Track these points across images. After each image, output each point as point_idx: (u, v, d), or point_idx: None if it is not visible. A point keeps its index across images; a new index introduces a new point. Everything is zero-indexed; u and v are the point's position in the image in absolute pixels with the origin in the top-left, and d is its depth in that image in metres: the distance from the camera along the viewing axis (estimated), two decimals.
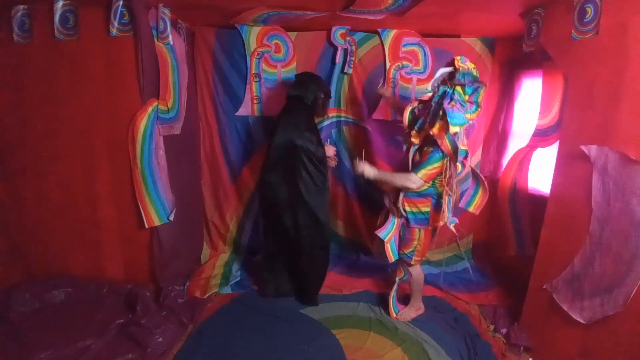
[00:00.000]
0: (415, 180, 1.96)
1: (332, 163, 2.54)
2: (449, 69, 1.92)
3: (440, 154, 1.94)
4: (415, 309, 2.35)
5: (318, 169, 2.28)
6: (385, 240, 2.10)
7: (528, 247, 2.50)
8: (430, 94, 1.98)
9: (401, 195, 2.08)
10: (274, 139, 2.27)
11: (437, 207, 2.06)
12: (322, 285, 2.48)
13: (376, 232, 2.13)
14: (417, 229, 2.11)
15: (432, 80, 1.97)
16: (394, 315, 2.32)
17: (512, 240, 2.63)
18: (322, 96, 2.44)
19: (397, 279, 2.30)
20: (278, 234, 2.39)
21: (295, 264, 2.43)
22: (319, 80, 2.47)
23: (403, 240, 2.17)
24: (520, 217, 2.58)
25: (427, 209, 2.08)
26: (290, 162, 2.24)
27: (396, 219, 2.15)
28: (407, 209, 2.09)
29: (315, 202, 2.28)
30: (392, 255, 2.15)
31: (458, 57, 1.91)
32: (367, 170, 2.08)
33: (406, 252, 2.17)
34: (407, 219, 2.12)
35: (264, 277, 2.51)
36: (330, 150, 2.46)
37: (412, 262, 2.18)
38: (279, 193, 2.30)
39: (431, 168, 1.94)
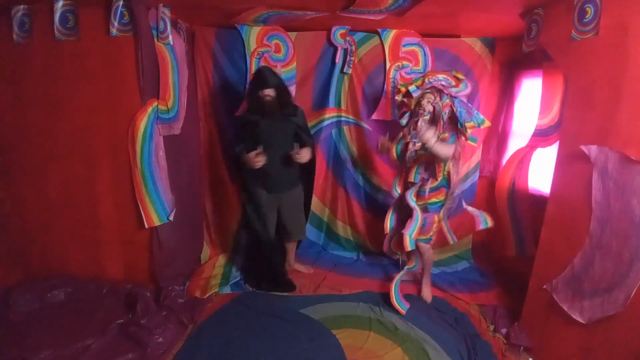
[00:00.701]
0: (453, 147, 2.25)
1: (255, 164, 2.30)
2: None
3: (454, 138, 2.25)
4: (430, 286, 2.57)
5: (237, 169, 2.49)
6: (413, 235, 2.31)
7: (528, 247, 2.49)
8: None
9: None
10: None
11: (449, 192, 2.39)
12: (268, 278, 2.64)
13: (403, 231, 2.31)
14: (435, 215, 2.37)
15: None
16: (404, 311, 2.33)
17: (511, 240, 2.63)
18: (250, 87, 2.38)
19: (407, 268, 2.52)
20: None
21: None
22: (256, 72, 2.36)
23: (425, 227, 2.36)
24: (520, 217, 2.58)
25: (443, 197, 2.37)
26: None
27: (420, 215, 2.32)
28: (434, 199, 2.36)
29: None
30: (409, 246, 2.32)
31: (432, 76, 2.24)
32: (432, 139, 2.16)
33: (427, 237, 2.39)
34: (426, 209, 2.36)
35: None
36: (250, 160, 2.30)
37: (432, 243, 2.44)
38: None
39: (454, 146, 2.26)
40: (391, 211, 2.54)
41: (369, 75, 2.90)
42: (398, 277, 2.46)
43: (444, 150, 2.19)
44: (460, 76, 2.27)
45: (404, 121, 2.41)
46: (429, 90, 2.23)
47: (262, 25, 2.76)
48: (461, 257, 3.09)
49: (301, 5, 2.25)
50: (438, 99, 2.22)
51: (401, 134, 2.41)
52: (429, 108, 2.25)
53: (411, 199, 2.35)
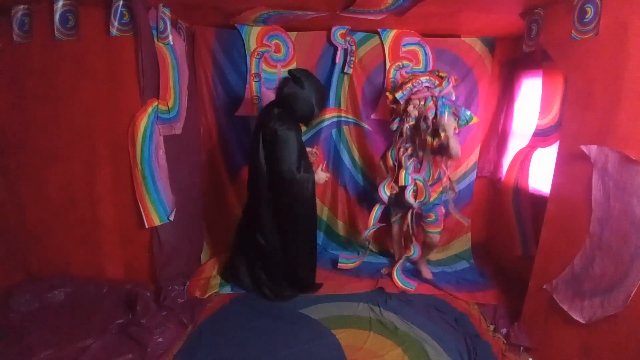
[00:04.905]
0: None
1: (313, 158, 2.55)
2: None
3: None
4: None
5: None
6: (431, 229, 2.61)
7: (532, 247, 2.49)
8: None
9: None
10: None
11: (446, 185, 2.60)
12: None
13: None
14: (442, 207, 2.60)
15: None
16: (412, 289, 2.55)
17: (517, 240, 2.63)
18: (314, 112, 2.25)
19: (406, 256, 2.65)
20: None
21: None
22: (314, 93, 2.21)
23: (437, 221, 2.58)
24: (524, 217, 2.58)
25: (441, 189, 2.56)
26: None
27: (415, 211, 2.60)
28: (435, 195, 2.57)
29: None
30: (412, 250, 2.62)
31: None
32: (451, 127, 2.29)
33: (440, 229, 2.61)
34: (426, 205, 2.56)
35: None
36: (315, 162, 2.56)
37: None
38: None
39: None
40: (377, 207, 2.68)
41: (369, 75, 2.90)
42: (398, 265, 2.65)
43: (457, 144, 2.29)
44: (443, 74, 2.36)
45: (394, 127, 2.48)
46: (414, 95, 2.33)
47: (262, 25, 2.76)
48: (461, 257, 3.09)
49: (301, 5, 2.25)
50: (423, 102, 2.31)
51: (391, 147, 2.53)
52: (414, 113, 2.34)
53: (410, 198, 2.46)
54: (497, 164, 2.98)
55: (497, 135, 2.95)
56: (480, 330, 2.21)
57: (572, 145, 1.78)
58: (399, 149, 2.47)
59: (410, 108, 2.35)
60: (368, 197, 3.11)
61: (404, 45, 2.80)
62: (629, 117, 1.51)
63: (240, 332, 2.16)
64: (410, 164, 2.47)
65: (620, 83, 1.54)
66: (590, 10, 1.68)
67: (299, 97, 2.19)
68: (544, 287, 1.91)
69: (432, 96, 2.31)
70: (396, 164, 2.50)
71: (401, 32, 2.77)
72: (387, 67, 2.83)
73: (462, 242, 3.15)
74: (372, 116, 2.94)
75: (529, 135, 2.49)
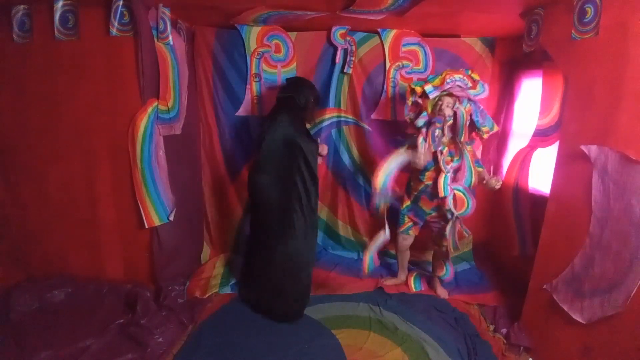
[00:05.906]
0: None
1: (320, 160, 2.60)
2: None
3: None
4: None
5: (313, 169, 2.21)
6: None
7: (530, 248, 2.49)
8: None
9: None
10: (266, 137, 2.21)
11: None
12: (306, 299, 2.34)
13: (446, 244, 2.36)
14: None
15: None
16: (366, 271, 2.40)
17: (515, 240, 2.63)
18: (312, 100, 2.43)
19: (439, 276, 2.54)
20: (261, 241, 2.34)
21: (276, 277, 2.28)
22: (311, 84, 2.50)
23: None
24: (524, 217, 2.58)
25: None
26: (286, 161, 2.18)
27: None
28: None
29: (309, 204, 2.22)
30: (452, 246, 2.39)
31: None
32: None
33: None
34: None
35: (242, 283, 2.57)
36: (324, 149, 2.52)
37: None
38: (270, 194, 2.24)
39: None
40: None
41: (369, 75, 2.90)
42: (414, 276, 2.71)
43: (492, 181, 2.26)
44: (476, 77, 2.19)
45: (421, 122, 2.23)
46: (445, 93, 2.15)
47: (262, 25, 2.76)
48: (462, 258, 3.09)
49: (301, 5, 2.25)
50: (458, 102, 2.14)
51: (420, 138, 2.23)
52: (449, 113, 2.15)
53: (452, 206, 2.24)
54: (497, 164, 2.98)
55: (497, 136, 2.95)
56: (480, 330, 2.22)
57: (572, 145, 1.78)
58: (435, 152, 2.23)
59: (444, 106, 2.15)
60: (368, 196, 3.10)
61: (404, 45, 2.80)
62: (629, 117, 1.51)
63: (240, 332, 2.16)
64: (449, 169, 2.22)
65: (620, 83, 1.54)
66: (590, 10, 1.68)
67: (293, 79, 2.49)
68: (544, 287, 1.91)
69: (468, 98, 2.15)
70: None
71: (401, 32, 2.77)
72: (387, 67, 2.83)
73: (463, 244, 3.15)
74: (372, 116, 2.94)
75: (529, 135, 2.49)
